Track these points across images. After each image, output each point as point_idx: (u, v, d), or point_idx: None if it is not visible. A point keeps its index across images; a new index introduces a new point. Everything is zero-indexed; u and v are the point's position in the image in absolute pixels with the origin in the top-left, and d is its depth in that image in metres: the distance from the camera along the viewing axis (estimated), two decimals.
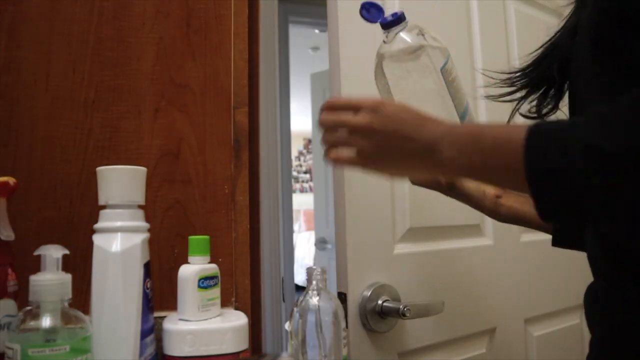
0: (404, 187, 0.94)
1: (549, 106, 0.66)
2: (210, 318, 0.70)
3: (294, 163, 6.65)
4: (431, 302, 0.89)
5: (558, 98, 0.65)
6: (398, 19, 0.67)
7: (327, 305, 0.66)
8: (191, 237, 0.73)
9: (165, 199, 0.85)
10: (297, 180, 6.73)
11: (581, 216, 0.44)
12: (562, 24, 0.63)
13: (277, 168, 1.52)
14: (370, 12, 0.69)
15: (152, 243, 0.72)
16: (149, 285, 0.66)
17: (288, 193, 2.27)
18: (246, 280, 0.88)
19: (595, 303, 0.55)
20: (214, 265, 0.73)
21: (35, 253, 0.56)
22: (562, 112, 0.64)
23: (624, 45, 0.45)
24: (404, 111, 0.54)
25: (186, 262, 0.72)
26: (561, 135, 0.42)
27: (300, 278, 3.33)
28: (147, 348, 0.66)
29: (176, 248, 0.85)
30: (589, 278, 0.58)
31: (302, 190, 6.72)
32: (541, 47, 0.65)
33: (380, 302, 0.86)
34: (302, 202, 6.11)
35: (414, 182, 0.80)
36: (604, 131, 0.39)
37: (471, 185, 0.77)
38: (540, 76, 0.64)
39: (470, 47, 1.12)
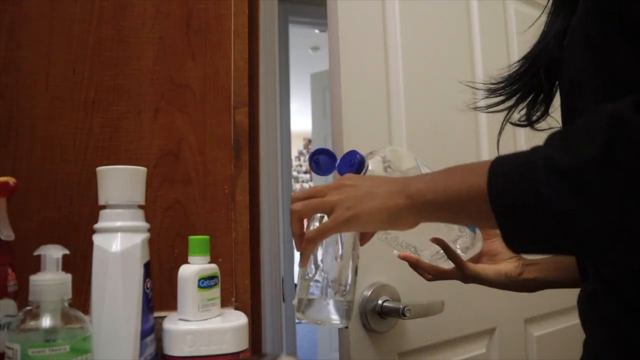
0: None
1: (538, 113, 0.65)
2: (210, 318, 0.70)
3: (294, 163, 6.66)
4: (431, 302, 0.89)
5: (548, 104, 0.65)
6: (359, 168, 0.63)
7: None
8: (191, 237, 0.73)
9: (165, 199, 0.85)
10: (297, 180, 6.73)
11: (544, 229, 0.42)
12: (546, 28, 0.63)
13: (277, 168, 1.52)
14: (321, 166, 0.64)
15: (152, 243, 0.72)
16: (149, 285, 0.66)
17: (288, 193, 2.27)
18: (246, 280, 0.88)
19: (593, 305, 0.55)
20: (214, 265, 0.73)
21: (35, 253, 0.56)
22: (552, 118, 0.64)
23: (617, 50, 0.45)
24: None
25: (186, 262, 0.72)
26: (524, 154, 0.43)
27: None
28: (147, 348, 0.66)
29: (176, 248, 0.85)
30: None
31: (302, 190, 6.72)
32: (525, 56, 0.64)
33: (380, 302, 0.86)
34: None
35: (432, 279, 0.76)
36: (563, 146, 0.40)
37: (489, 272, 0.74)
38: (528, 83, 0.64)
39: (470, 47, 1.12)
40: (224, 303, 0.82)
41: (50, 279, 0.55)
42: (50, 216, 0.80)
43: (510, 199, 0.42)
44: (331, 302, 0.58)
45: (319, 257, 0.59)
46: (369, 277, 0.88)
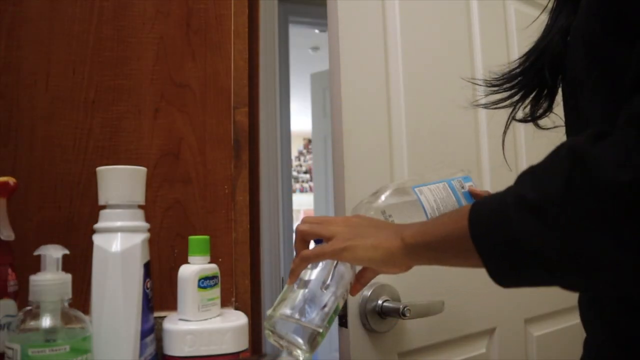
0: None
1: (542, 109, 0.65)
2: (210, 318, 0.70)
3: (294, 163, 6.65)
4: (431, 302, 0.89)
5: (551, 100, 0.65)
6: None
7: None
8: (191, 237, 0.73)
9: (165, 199, 0.85)
10: (297, 180, 6.73)
11: (524, 260, 0.42)
12: (550, 23, 0.63)
13: (277, 168, 1.52)
14: None
15: (152, 243, 0.72)
16: (149, 285, 0.66)
17: (288, 193, 2.27)
18: (246, 280, 0.88)
19: (594, 304, 0.55)
20: (214, 265, 0.73)
21: (35, 253, 0.56)
22: (556, 114, 0.64)
23: (616, 50, 0.45)
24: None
25: (186, 262, 0.72)
26: (499, 194, 0.44)
27: None
28: (147, 348, 0.66)
29: (176, 248, 0.85)
30: None
31: (302, 190, 6.72)
32: (528, 52, 0.64)
33: (380, 302, 0.86)
34: (302, 202, 6.11)
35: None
36: (531, 182, 0.41)
37: None
38: (532, 79, 0.64)
39: (470, 48, 1.12)
40: (224, 303, 0.82)
41: (50, 279, 0.55)
42: (50, 216, 0.80)
43: (488, 238, 0.43)
44: (302, 326, 0.56)
45: (308, 278, 0.59)
46: None
